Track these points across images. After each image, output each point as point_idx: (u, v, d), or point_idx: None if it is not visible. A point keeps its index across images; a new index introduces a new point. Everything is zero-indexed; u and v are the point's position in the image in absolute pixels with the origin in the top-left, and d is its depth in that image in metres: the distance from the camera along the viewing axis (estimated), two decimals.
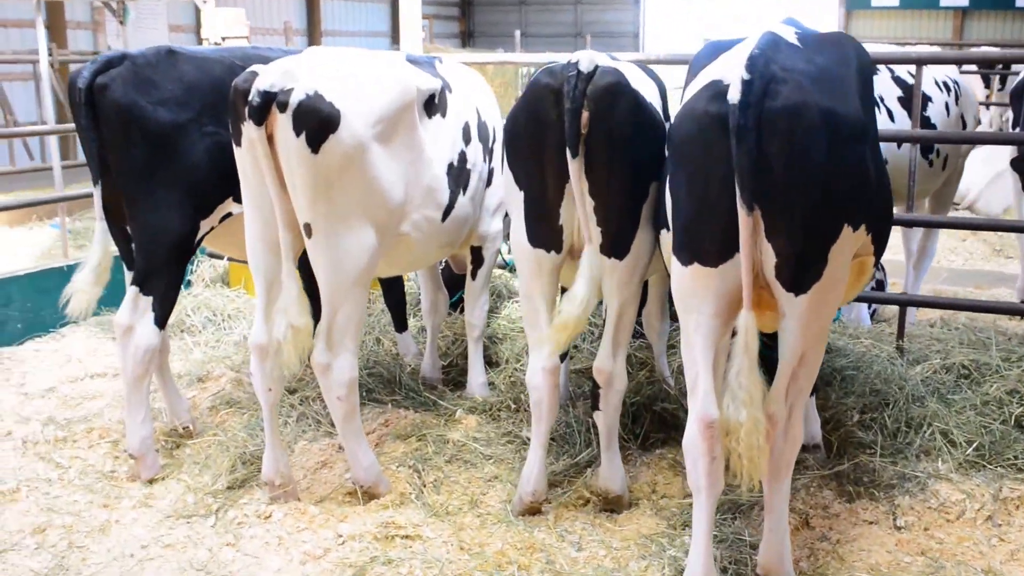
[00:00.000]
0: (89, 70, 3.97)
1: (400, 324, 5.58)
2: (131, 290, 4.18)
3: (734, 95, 2.76)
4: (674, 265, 3.12)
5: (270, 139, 3.49)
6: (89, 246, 4.33)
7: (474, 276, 4.96)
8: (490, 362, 5.51)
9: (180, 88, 4.07)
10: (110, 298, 6.47)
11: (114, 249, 4.30)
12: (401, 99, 3.87)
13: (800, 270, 2.92)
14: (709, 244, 2.96)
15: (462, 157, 4.41)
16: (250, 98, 3.45)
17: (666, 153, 3.43)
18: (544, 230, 3.63)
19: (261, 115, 3.45)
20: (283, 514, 3.87)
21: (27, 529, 3.71)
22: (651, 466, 4.26)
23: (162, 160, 4.04)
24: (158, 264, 4.16)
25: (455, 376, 5.44)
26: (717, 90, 2.86)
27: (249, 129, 3.48)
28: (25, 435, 4.63)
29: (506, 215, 4.79)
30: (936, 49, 10.08)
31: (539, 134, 3.49)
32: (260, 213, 3.72)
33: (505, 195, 3.90)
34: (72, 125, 4.77)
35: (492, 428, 4.68)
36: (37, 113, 13.83)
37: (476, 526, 3.82)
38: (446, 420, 4.80)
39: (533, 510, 3.91)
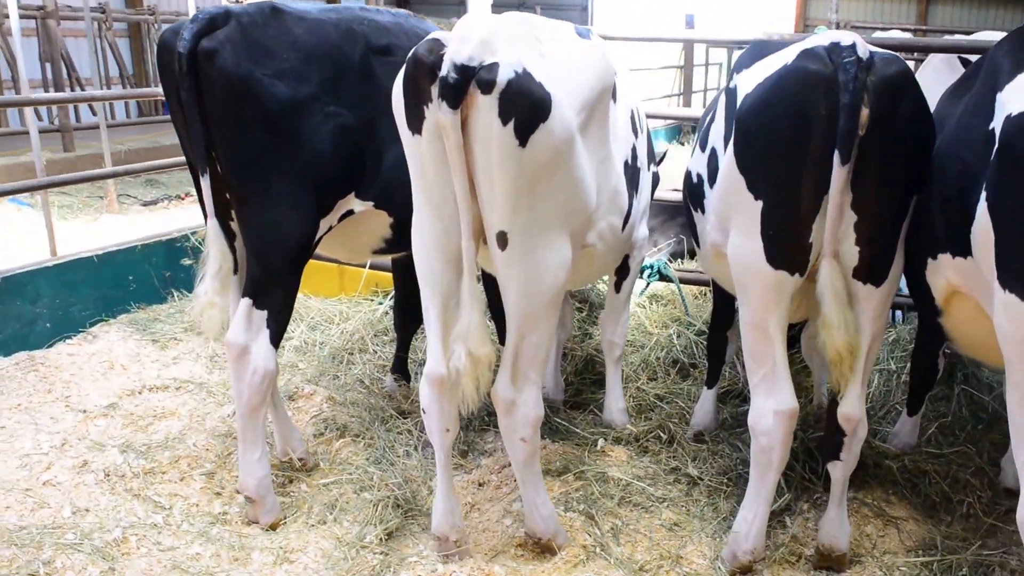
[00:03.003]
0: (190, 31, 3.15)
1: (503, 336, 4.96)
2: (243, 304, 3.44)
3: None
4: None
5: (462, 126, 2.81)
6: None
7: (618, 288, 4.38)
8: (600, 382, 5.00)
9: (296, 56, 3.30)
10: (141, 293, 5.74)
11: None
12: (601, 82, 3.24)
13: None
14: None
15: (634, 153, 3.80)
16: (444, 73, 2.72)
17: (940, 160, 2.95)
18: (790, 248, 3.05)
19: (458, 96, 2.73)
20: None
21: None
22: (852, 513, 3.80)
23: (281, 146, 3.29)
24: (275, 271, 3.43)
25: (567, 397, 4.89)
26: None
27: (439, 113, 2.76)
28: (106, 466, 3.86)
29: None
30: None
31: (800, 132, 2.88)
32: (440, 219, 3.01)
33: (724, 204, 3.28)
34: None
35: (649, 463, 4.16)
36: None
37: None
38: (587, 451, 4.25)
39: (746, 569, 3.41)
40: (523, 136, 2.80)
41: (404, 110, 2.93)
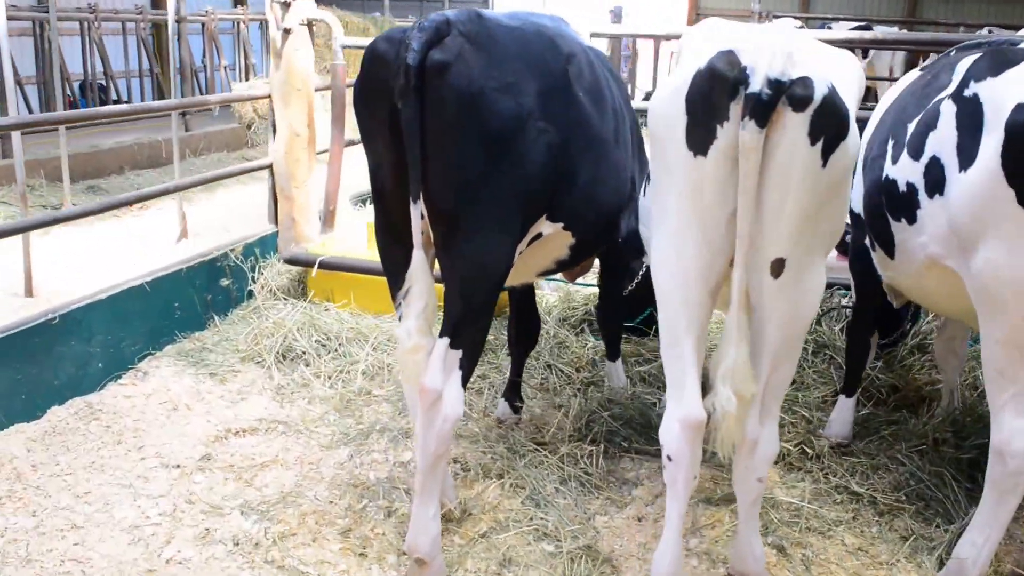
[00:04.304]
0: (419, 41, 2.78)
1: (614, 351, 4.65)
2: (441, 344, 3.04)
3: None
4: None
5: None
6: None
7: None
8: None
9: (512, 69, 2.97)
10: (184, 321, 5.18)
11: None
12: (862, 92, 3.04)
13: None
14: None
15: None
16: (756, 89, 2.47)
17: None
18: None
19: (768, 113, 2.49)
20: None
21: None
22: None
23: (500, 166, 2.95)
24: (478, 305, 3.06)
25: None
26: None
27: (742, 132, 2.50)
28: (233, 533, 3.37)
29: None
30: None
31: None
32: (708, 247, 2.74)
33: (972, 218, 3.01)
34: None
35: (806, 482, 3.92)
36: None
37: None
38: (728, 470, 3.98)
39: None
40: (826, 156, 2.57)
41: (686, 129, 2.63)
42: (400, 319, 3.07)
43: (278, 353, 4.98)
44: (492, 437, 4.12)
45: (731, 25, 2.97)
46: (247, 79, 14.79)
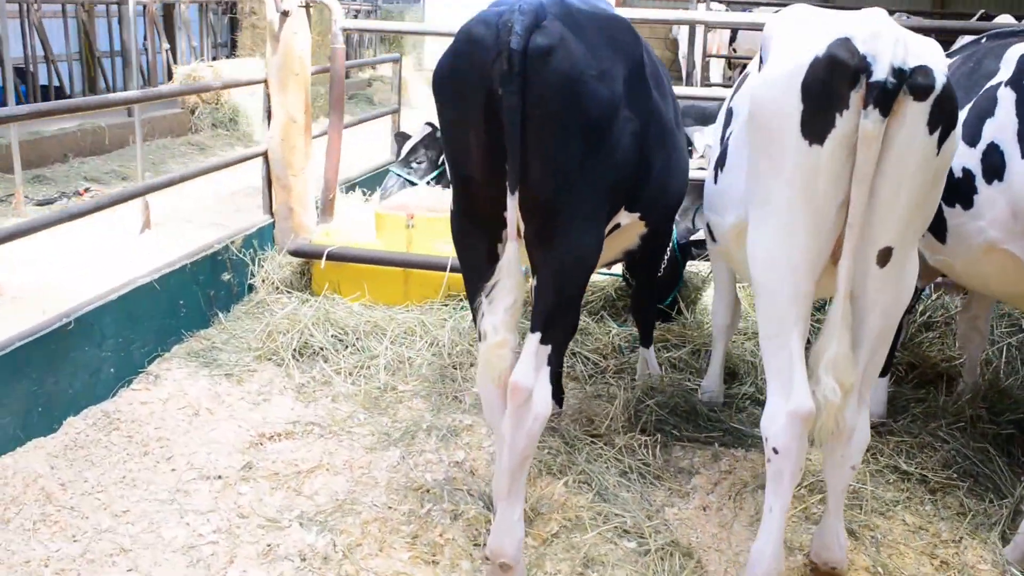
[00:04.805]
0: (522, 24, 2.63)
1: (648, 337, 4.57)
2: (532, 340, 2.91)
3: None
4: None
5: None
6: None
7: None
8: (735, 374, 4.72)
9: (605, 55, 2.87)
10: (189, 319, 4.91)
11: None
12: None
13: None
14: None
15: None
16: (881, 78, 2.44)
17: None
18: None
19: (891, 102, 2.47)
20: None
21: None
22: None
23: (595, 156, 2.85)
24: (570, 298, 2.98)
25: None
26: None
27: (863, 120, 2.48)
28: (299, 548, 3.19)
29: None
30: None
31: None
32: (817, 237, 2.72)
33: None
34: None
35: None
36: None
37: None
38: None
39: None
40: (940, 144, 2.58)
41: (802, 117, 2.59)
42: (482, 313, 2.93)
43: (295, 350, 4.77)
44: (545, 431, 4.01)
45: (820, 13, 2.92)
46: (176, 62, 14.24)
